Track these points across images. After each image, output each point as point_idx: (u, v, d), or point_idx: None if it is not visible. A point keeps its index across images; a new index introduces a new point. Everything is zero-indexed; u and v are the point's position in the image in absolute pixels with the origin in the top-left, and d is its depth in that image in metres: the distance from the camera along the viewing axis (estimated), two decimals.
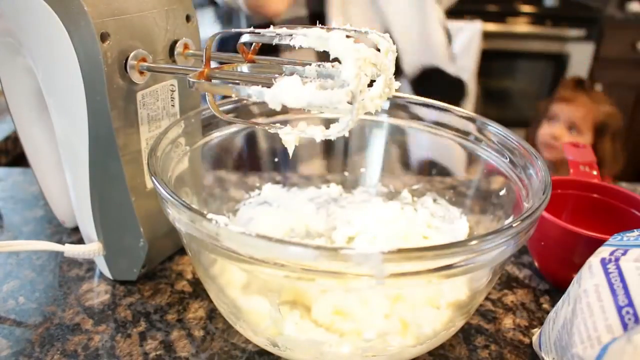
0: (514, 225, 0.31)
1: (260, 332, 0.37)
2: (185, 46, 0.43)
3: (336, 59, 0.30)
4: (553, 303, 0.46)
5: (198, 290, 0.45)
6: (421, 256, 0.29)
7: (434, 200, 0.52)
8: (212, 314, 0.43)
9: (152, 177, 0.35)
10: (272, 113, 0.48)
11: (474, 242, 0.30)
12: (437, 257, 0.29)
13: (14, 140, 0.85)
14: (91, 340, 0.40)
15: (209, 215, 0.30)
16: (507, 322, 0.43)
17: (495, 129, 0.44)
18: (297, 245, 0.28)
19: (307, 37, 0.31)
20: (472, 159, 0.47)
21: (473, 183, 0.48)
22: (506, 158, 0.43)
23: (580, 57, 2.19)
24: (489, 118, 0.45)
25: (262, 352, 0.39)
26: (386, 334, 0.36)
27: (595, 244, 0.38)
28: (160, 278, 0.47)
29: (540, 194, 0.35)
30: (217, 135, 0.47)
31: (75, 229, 0.53)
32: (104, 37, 0.36)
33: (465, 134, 0.47)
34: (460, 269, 0.30)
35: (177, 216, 0.33)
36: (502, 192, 0.44)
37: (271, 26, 0.33)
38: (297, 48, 0.31)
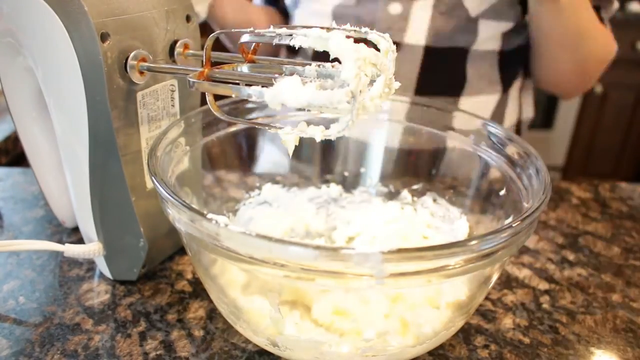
0: (513, 225, 0.31)
1: (260, 332, 0.37)
2: (186, 46, 0.43)
3: (336, 59, 0.31)
4: (553, 303, 0.46)
5: (198, 290, 0.45)
6: (421, 256, 0.29)
7: (434, 200, 0.52)
8: (212, 313, 0.43)
9: (152, 177, 0.35)
10: (272, 113, 0.48)
11: (473, 242, 0.30)
12: (436, 257, 0.29)
13: (14, 140, 0.85)
14: (91, 340, 0.40)
15: (209, 215, 0.30)
16: (507, 321, 0.43)
17: (495, 129, 0.44)
18: (297, 245, 0.28)
19: (307, 37, 0.31)
20: (472, 159, 0.47)
21: (473, 183, 0.48)
22: (506, 158, 0.43)
23: None
24: None
25: (262, 352, 0.39)
26: (386, 333, 0.36)
27: None
28: (161, 278, 0.47)
29: (540, 194, 0.35)
30: (217, 135, 0.47)
31: (76, 229, 0.53)
32: (104, 37, 0.36)
33: (465, 133, 0.47)
34: (459, 269, 0.30)
35: (177, 216, 0.33)
36: (502, 192, 0.44)
37: (271, 26, 0.33)
38: (297, 48, 0.31)
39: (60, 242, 0.51)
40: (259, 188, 0.54)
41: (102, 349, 0.39)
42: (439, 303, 0.39)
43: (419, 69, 0.67)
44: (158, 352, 0.39)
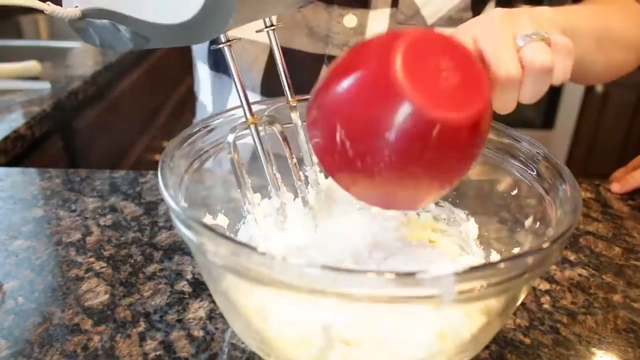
0: (566, 234, 0.30)
1: None
2: None
3: None
4: (554, 303, 0.46)
5: (198, 291, 0.45)
6: (493, 273, 0.28)
7: (436, 203, 0.51)
8: (212, 314, 0.43)
9: (170, 199, 0.32)
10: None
11: (535, 254, 0.29)
12: (506, 272, 0.28)
13: (13, 140, 0.85)
14: (90, 341, 0.40)
15: (261, 249, 0.28)
16: (508, 322, 0.43)
17: (502, 129, 0.44)
18: (370, 273, 0.27)
19: None
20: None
21: (474, 184, 0.48)
22: (515, 159, 0.42)
23: None
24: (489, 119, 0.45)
25: None
26: (433, 351, 0.34)
27: None
28: (160, 278, 0.47)
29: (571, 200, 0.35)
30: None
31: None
32: None
33: None
34: (523, 279, 0.29)
35: (215, 249, 0.29)
36: (514, 192, 0.43)
37: None
38: None
39: (60, 242, 0.51)
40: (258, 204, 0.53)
41: (102, 349, 0.39)
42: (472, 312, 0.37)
43: None
44: (158, 353, 0.39)
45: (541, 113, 2.31)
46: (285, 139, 0.42)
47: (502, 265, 0.28)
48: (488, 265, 0.29)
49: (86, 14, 0.39)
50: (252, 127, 0.38)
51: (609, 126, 2.31)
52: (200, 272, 0.36)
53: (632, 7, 0.63)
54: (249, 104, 0.38)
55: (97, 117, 1.17)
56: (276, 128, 0.42)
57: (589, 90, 2.24)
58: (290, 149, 0.43)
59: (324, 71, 0.63)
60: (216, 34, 0.34)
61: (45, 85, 1.03)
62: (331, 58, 0.63)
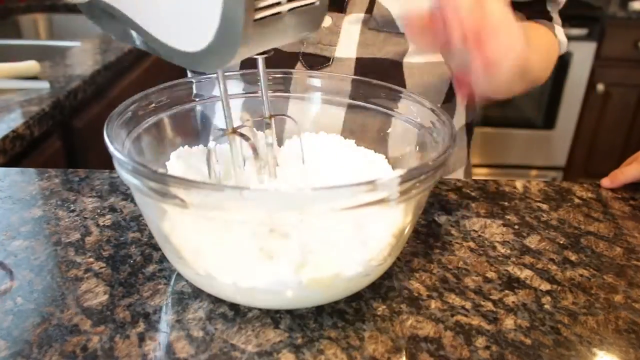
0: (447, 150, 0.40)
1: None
2: None
3: None
4: (555, 303, 0.45)
5: (197, 291, 0.45)
6: (424, 172, 0.38)
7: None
8: (212, 314, 0.43)
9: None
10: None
11: (440, 157, 0.39)
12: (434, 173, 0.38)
13: (12, 139, 0.84)
14: (90, 342, 0.40)
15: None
16: (509, 322, 0.43)
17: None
18: (358, 185, 0.35)
19: None
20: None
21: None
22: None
23: (582, 56, 2.19)
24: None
25: (262, 353, 0.39)
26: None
27: None
28: (160, 278, 0.47)
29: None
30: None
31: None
32: None
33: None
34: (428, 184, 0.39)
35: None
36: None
37: None
38: None
39: (59, 243, 0.51)
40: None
41: (101, 350, 0.39)
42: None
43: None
44: (157, 354, 0.39)
45: (542, 113, 2.31)
46: (254, 149, 0.46)
47: (430, 163, 0.38)
48: (419, 168, 0.38)
49: (94, 2, 0.41)
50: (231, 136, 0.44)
51: (610, 126, 2.31)
52: (147, 222, 0.41)
53: (548, 35, 0.73)
54: (231, 118, 0.43)
55: (97, 117, 1.17)
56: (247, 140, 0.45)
57: (590, 90, 2.24)
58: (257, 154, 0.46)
59: (299, 68, 0.67)
60: (219, 67, 0.38)
61: (44, 85, 1.03)
62: (305, 55, 0.65)
